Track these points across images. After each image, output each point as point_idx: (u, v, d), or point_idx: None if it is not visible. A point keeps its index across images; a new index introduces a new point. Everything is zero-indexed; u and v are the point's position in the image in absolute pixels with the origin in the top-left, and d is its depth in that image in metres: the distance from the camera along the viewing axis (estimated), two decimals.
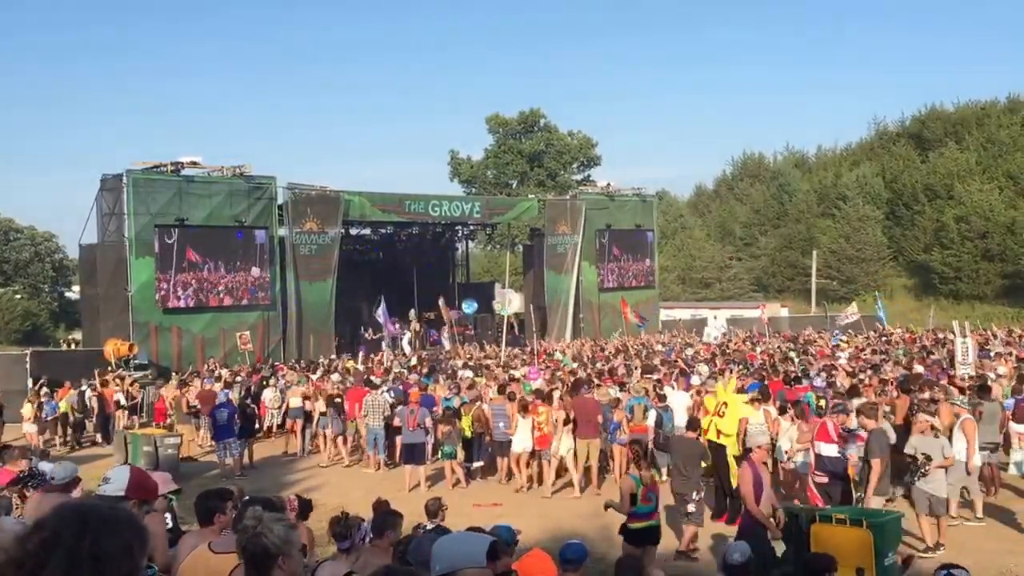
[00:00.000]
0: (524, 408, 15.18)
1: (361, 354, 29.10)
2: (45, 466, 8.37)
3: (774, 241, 63.51)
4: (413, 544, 6.28)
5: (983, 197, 53.85)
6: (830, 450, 11.25)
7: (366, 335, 35.81)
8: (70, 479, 6.97)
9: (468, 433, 15.91)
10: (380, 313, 31.30)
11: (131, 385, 22.54)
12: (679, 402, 15.46)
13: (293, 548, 3.42)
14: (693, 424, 11.79)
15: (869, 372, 18.27)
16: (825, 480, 11.13)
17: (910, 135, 67.14)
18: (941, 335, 29.28)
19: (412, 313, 36.03)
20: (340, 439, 18.33)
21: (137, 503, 5.10)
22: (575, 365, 23.78)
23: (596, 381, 17.79)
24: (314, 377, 22.41)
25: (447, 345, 33.80)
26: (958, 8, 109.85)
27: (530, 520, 11.93)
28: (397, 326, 32.91)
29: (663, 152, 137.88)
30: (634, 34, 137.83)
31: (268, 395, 20.90)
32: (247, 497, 5.92)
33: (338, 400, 18.56)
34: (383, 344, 31.68)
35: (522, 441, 15.12)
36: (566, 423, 14.68)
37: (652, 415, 15.03)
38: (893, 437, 11.50)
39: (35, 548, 2.01)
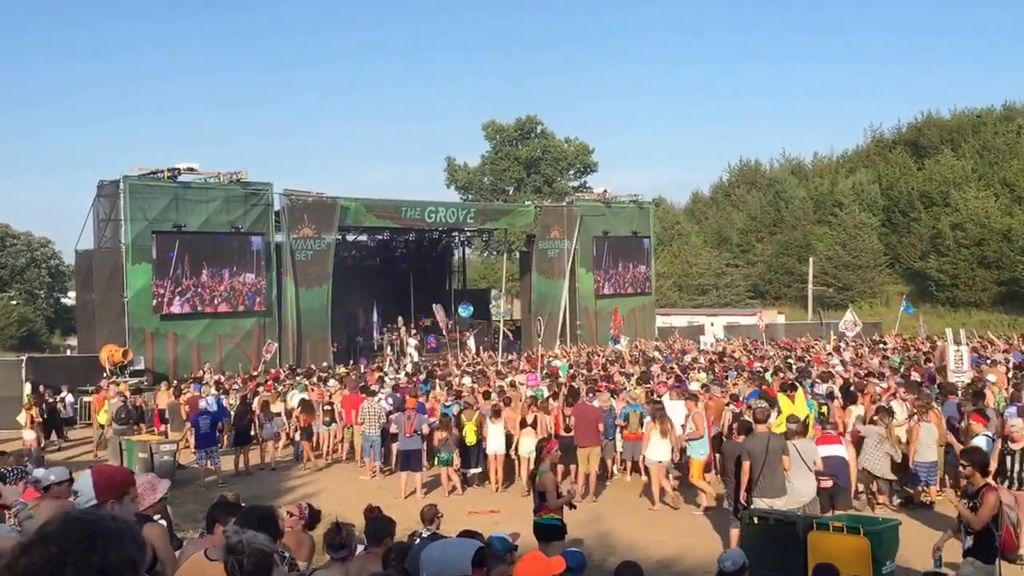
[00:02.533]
0: (496, 413, 15.46)
1: (363, 362, 29.08)
2: (39, 472, 8.33)
3: (771, 248, 63.53)
4: (414, 550, 6.24)
5: (979, 204, 53.93)
6: (836, 451, 11.30)
7: (361, 341, 35.89)
8: (56, 483, 6.92)
9: (472, 440, 15.80)
10: (374, 320, 31.44)
11: (134, 393, 22.42)
12: (675, 410, 15.40)
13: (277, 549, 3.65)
14: (744, 427, 11.53)
15: (871, 379, 18.15)
16: (830, 484, 11.12)
17: (906, 142, 67.26)
18: (939, 342, 29.24)
19: (400, 320, 36.21)
20: (271, 443, 18.84)
21: (116, 500, 5.01)
22: (571, 371, 23.76)
23: (594, 388, 17.76)
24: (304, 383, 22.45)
25: (472, 348, 33.74)
26: (954, 16, 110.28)
27: (527, 527, 11.88)
28: (392, 333, 32.99)
29: (660, 158, 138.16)
30: (630, 40, 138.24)
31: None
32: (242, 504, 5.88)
33: (330, 405, 18.70)
34: (386, 349, 31.82)
35: (495, 444, 15.35)
36: (524, 425, 15.03)
37: (647, 423, 15.00)
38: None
39: (43, 564, 2.00)
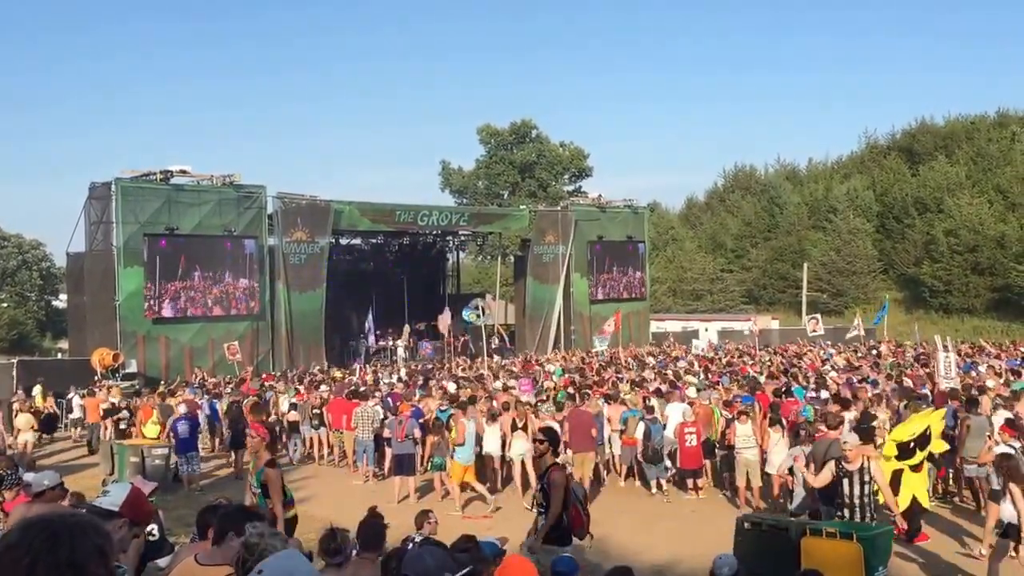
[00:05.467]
0: (492, 417, 15.43)
1: (357, 365, 29.00)
2: (29, 476, 8.27)
3: (765, 253, 63.64)
4: (408, 555, 6.19)
5: (973, 211, 54.11)
6: None
7: (353, 344, 35.80)
8: (50, 488, 6.87)
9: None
10: (368, 324, 31.34)
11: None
12: (672, 413, 15.37)
13: None
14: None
15: (863, 385, 18.14)
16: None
17: (900, 148, 67.49)
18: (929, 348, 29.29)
19: (406, 327, 36.12)
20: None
21: (128, 522, 5.02)
22: (565, 376, 23.72)
23: (588, 393, 17.73)
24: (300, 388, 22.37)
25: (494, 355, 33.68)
26: (949, 22, 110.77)
27: (520, 532, 11.83)
28: (387, 339, 32.84)
29: (655, 163, 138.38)
30: (626, 45, 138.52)
31: None
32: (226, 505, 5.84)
33: (319, 410, 18.63)
34: (360, 356, 31.73)
35: (491, 445, 15.33)
36: (515, 428, 15.02)
37: (641, 427, 14.99)
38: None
39: (8, 564, 1.97)
